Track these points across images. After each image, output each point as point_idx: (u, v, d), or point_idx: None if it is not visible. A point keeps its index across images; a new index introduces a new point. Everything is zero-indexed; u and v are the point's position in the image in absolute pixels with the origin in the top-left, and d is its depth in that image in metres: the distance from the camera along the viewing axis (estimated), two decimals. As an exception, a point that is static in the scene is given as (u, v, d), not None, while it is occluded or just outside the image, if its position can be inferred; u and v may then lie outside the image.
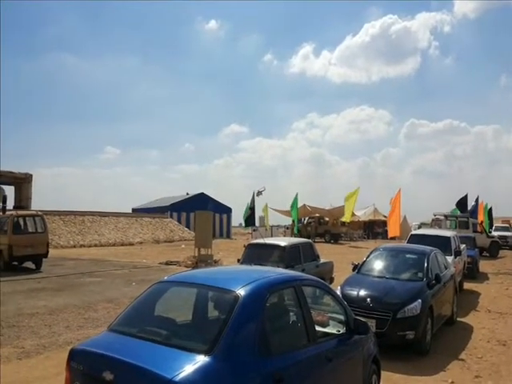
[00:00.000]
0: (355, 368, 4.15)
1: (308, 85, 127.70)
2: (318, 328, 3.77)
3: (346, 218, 29.91)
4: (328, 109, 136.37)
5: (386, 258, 8.28)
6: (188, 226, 41.74)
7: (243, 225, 36.61)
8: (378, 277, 7.67)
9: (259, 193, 20.11)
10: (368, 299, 6.67)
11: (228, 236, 48.45)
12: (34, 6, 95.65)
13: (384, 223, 38.91)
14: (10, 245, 14.68)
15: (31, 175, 31.52)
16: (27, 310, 8.75)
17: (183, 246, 29.45)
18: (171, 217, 42.37)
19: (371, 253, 8.54)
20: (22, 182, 30.78)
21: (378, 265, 8.10)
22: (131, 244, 31.74)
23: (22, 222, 16.04)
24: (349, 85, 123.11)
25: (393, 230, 18.48)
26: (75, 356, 2.96)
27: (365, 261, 8.28)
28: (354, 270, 8.39)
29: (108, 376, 2.64)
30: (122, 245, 31.08)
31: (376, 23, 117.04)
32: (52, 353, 6.30)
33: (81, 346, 3.06)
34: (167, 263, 18.27)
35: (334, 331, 4.06)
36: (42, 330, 7.46)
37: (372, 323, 6.03)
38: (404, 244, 12.09)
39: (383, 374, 4.88)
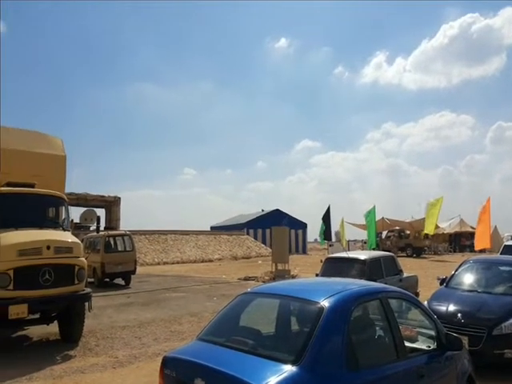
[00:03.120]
0: (449, 386, 3.90)
1: (382, 94, 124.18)
2: (406, 343, 3.61)
3: (430, 231, 28.37)
4: (404, 117, 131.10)
5: (478, 270, 7.69)
6: (264, 242, 42.10)
7: (319, 240, 36.20)
8: (469, 291, 7.14)
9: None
10: (459, 315, 6.24)
11: (304, 251, 48.06)
12: (113, 39, 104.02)
13: (472, 235, 36.27)
14: (102, 263, 15.79)
15: (119, 198, 33.84)
16: (119, 323, 9.31)
17: (260, 261, 29.73)
18: (247, 233, 43.03)
19: (461, 265, 8.00)
20: (111, 205, 33.15)
21: (468, 278, 7.56)
22: (210, 260, 32.69)
23: (112, 242, 17.23)
24: (426, 91, 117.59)
25: (481, 241, 17.24)
26: (168, 363, 3.11)
27: (454, 274, 7.78)
28: (441, 284, 7.91)
29: (199, 383, 2.74)
30: (202, 261, 32.11)
31: (454, 24, 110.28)
32: (142, 363, 6.63)
33: (173, 354, 3.20)
34: (245, 279, 18.52)
35: (424, 347, 3.86)
36: (133, 341, 7.89)
37: (464, 340, 5.62)
38: (497, 256, 11.18)
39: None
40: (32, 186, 8.13)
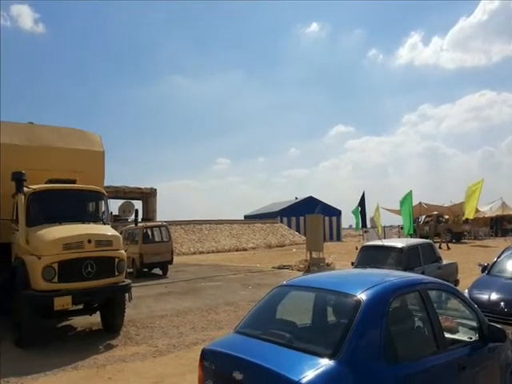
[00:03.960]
0: (492, 378, 3.80)
1: (417, 75, 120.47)
2: (446, 335, 3.54)
3: (470, 215, 27.43)
4: (442, 98, 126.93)
5: (522, 257, 7.41)
6: (298, 230, 42.02)
7: (353, 227, 35.75)
8: (513, 278, 6.90)
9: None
10: (502, 303, 6.05)
11: (338, 239, 47.67)
12: (142, 34, 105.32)
13: (515, 219, 34.97)
14: (141, 253, 16.21)
15: (155, 189, 34.55)
16: (157, 313, 9.56)
17: (294, 249, 29.71)
18: (281, 221, 43.05)
19: (504, 251, 7.72)
20: (148, 197, 33.90)
21: (511, 265, 7.30)
22: (245, 249, 32.96)
23: (150, 233, 17.65)
24: (464, 70, 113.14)
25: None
26: (207, 356, 3.18)
27: (496, 261, 7.52)
28: (482, 271, 7.67)
29: (238, 376, 2.79)
30: (237, 250, 32.43)
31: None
32: (181, 352, 6.80)
33: (212, 347, 3.27)
34: (280, 267, 18.57)
35: (465, 338, 3.77)
36: (171, 330, 8.09)
37: (508, 330, 5.44)
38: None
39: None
40: (73, 182, 8.42)
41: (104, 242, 7.42)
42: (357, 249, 15.67)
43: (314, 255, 17.39)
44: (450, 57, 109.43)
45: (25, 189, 7.41)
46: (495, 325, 3.90)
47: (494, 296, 6.25)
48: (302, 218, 40.36)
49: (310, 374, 2.54)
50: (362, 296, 3.03)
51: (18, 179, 7.24)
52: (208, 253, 30.51)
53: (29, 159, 8.41)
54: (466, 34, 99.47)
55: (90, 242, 7.17)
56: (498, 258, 7.59)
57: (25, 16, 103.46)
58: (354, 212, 30.00)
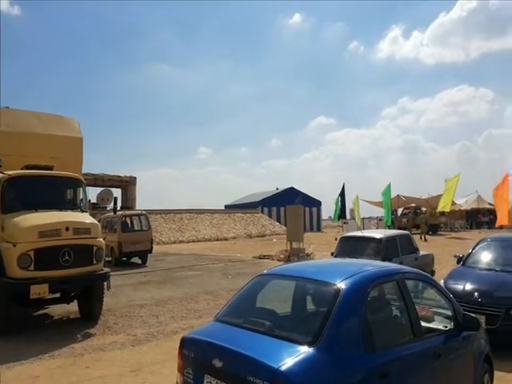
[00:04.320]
0: (466, 366, 3.90)
1: (398, 69, 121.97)
2: (423, 323, 3.61)
3: (446, 208, 28.05)
4: (421, 92, 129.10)
5: (496, 248, 7.58)
6: (279, 221, 42.26)
7: (333, 218, 36.09)
8: (487, 269, 7.07)
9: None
10: (476, 293, 6.20)
11: (318, 229, 48.18)
12: (128, 20, 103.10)
13: (489, 211, 35.87)
14: (119, 242, 16.06)
15: (135, 178, 34.20)
16: (137, 302, 9.50)
17: (275, 240, 29.90)
18: (262, 212, 43.22)
19: (478, 243, 7.91)
20: (127, 185, 33.56)
21: (486, 256, 7.47)
22: (225, 239, 33.00)
23: (129, 221, 17.47)
24: (444, 65, 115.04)
25: (501, 218, 16.95)
26: (186, 344, 3.16)
27: (471, 252, 7.70)
28: (458, 262, 7.85)
29: (217, 363, 2.79)
30: (217, 240, 32.45)
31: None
32: (160, 341, 6.78)
33: (191, 335, 3.25)
34: (260, 257, 18.68)
35: (441, 327, 3.85)
36: (151, 319, 8.06)
37: (481, 319, 5.59)
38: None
39: (496, 373, 4.52)
40: (50, 168, 8.23)
41: (82, 229, 7.31)
42: (336, 239, 15.83)
43: (295, 245, 17.53)
44: (429, 51, 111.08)
45: (0, 174, 7.21)
46: (470, 314, 4.00)
47: (469, 286, 6.40)
48: (282, 209, 40.52)
49: (289, 361, 2.56)
50: (341, 285, 3.06)
51: (-7, 165, 7.05)
52: (188, 242, 30.44)
53: (5, 144, 8.18)
54: (445, 30, 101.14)
55: (67, 229, 7.05)
56: (473, 249, 7.77)
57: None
58: (335, 203, 30.32)
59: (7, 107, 9.32)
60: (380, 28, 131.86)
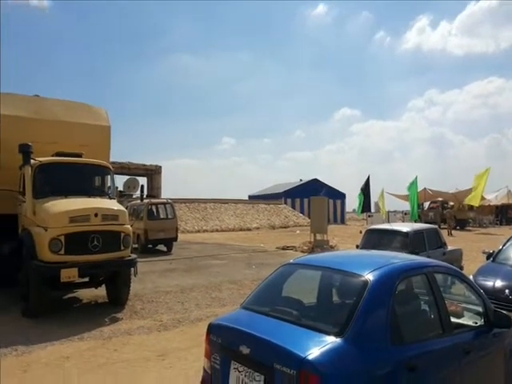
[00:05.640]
0: (496, 364, 3.80)
1: (425, 60, 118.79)
2: (452, 319, 3.54)
3: (475, 202, 27.34)
4: (449, 84, 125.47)
5: (528, 245, 7.38)
6: (302, 212, 42.11)
7: (357, 211, 35.67)
8: (518, 266, 6.88)
9: None
10: (507, 291, 6.03)
11: (342, 222, 47.78)
12: (151, 13, 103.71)
13: (521, 207, 34.79)
14: (145, 229, 16.34)
15: (160, 167, 34.57)
16: (162, 288, 9.67)
17: (298, 231, 29.83)
18: (285, 203, 43.13)
19: (509, 239, 7.69)
20: (153, 173, 33.95)
21: (517, 253, 7.27)
22: (249, 229, 33.13)
23: (154, 210, 17.74)
24: (473, 55, 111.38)
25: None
26: (213, 330, 3.19)
27: (501, 248, 7.50)
28: (487, 258, 7.65)
29: (245, 350, 2.81)
30: (241, 230, 32.61)
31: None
32: (186, 327, 6.89)
33: (219, 321, 3.28)
34: (284, 248, 18.68)
35: (471, 323, 3.77)
36: (176, 306, 8.19)
37: (512, 317, 5.46)
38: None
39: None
40: (80, 155, 8.42)
41: (110, 216, 7.45)
42: (361, 232, 15.67)
43: (318, 237, 17.46)
44: (458, 42, 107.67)
45: (32, 161, 7.41)
46: (501, 311, 3.90)
47: (499, 283, 6.24)
48: (306, 200, 40.39)
49: (316, 351, 2.55)
50: (369, 276, 3.02)
51: (25, 151, 7.25)
52: (212, 231, 30.70)
53: (35, 132, 8.39)
54: (475, 19, 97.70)
55: (96, 215, 7.20)
56: (504, 245, 7.56)
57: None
58: (359, 195, 29.91)
59: (37, 95, 9.54)
60: (407, 18, 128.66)
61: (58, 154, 8.21)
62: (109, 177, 8.68)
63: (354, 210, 51.54)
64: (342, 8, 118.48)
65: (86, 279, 7.95)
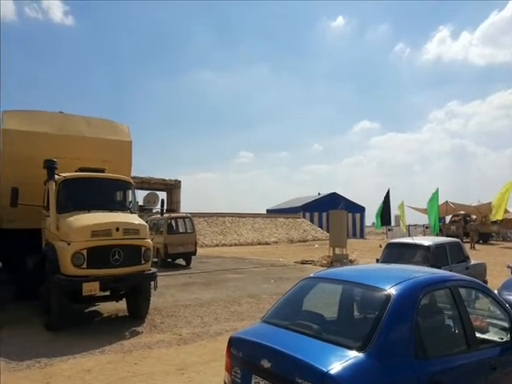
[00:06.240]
0: (523, 381, 3.70)
1: (445, 71, 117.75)
2: (477, 334, 3.46)
3: (497, 216, 26.75)
4: (471, 95, 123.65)
5: (555, 259, 7.19)
6: (320, 226, 41.82)
7: (376, 225, 35.20)
8: (545, 281, 6.71)
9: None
10: (533, 306, 5.87)
11: (361, 236, 47.24)
12: (169, 28, 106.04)
13: (546, 221, 33.89)
14: (165, 244, 16.47)
15: (180, 181, 34.92)
16: (182, 302, 9.70)
17: (317, 245, 29.61)
18: (304, 217, 42.91)
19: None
20: (172, 188, 34.28)
21: (543, 267, 7.09)
22: (267, 243, 33.02)
23: (174, 224, 17.88)
24: (495, 66, 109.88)
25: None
26: (234, 343, 3.20)
27: (527, 263, 7.33)
28: (513, 272, 7.48)
29: (266, 364, 2.80)
30: (259, 244, 32.53)
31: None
32: (205, 341, 6.87)
33: (239, 335, 3.29)
34: (302, 262, 18.56)
35: (496, 338, 3.68)
36: (195, 320, 8.19)
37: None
38: None
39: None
40: (102, 171, 8.60)
41: (131, 230, 7.55)
42: (381, 247, 15.45)
43: (337, 251, 17.30)
44: (479, 52, 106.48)
45: (56, 176, 7.60)
46: (527, 326, 3.79)
47: (525, 298, 6.08)
48: (324, 214, 40.18)
49: (338, 366, 2.53)
50: (392, 290, 3.00)
51: (50, 167, 7.44)
52: (230, 245, 30.70)
53: (59, 147, 8.62)
54: (497, 29, 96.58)
55: (117, 230, 7.30)
56: (530, 259, 7.38)
57: (55, 8, 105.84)
58: (378, 209, 29.57)
59: (61, 112, 9.82)
60: (427, 29, 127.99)
61: (81, 170, 8.40)
62: (130, 191, 8.82)
63: (373, 224, 50.99)
64: (361, 20, 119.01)
65: (107, 293, 8.03)
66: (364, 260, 17.74)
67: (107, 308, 8.90)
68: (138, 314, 8.16)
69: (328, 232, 23.56)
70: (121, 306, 8.60)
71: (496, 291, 6.54)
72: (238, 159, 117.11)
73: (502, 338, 3.65)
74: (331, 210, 19.08)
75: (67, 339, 6.76)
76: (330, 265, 16.30)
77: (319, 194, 50.42)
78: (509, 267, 7.88)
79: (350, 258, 17.57)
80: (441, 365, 2.90)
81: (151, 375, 5.34)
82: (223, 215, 35.87)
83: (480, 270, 9.76)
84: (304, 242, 35.12)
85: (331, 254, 17.55)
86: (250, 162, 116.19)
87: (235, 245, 31.24)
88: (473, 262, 9.73)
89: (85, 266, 7.04)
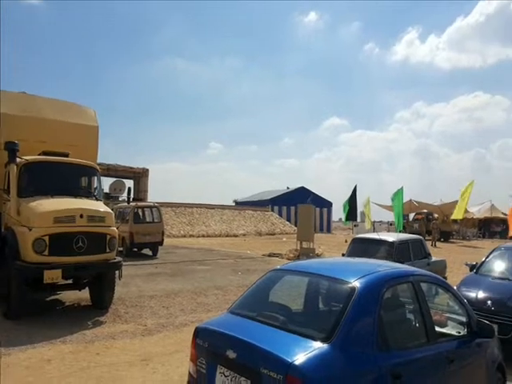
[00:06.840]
0: (478, 373, 3.86)
1: (413, 72, 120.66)
2: (436, 328, 3.58)
3: (458, 215, 27.69)
4: (436, 97, 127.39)
5: (510, 257, 7.50)
6: (289, 220, 42.19)
7: (343, 220, 35.87)
8: (500, 278, 6.98)
9: None
10: (488, 302, 6.12)
11: (328, 230, 48.01)
12: (143, 14, 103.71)
13: (502, 221, 35.42)
14: (131, 232, 16.21)
15: (147, 170, 34.40)
16: (147, 292, 9.57)
17: (284, 239, 29.87)
18: (272, 210, 43.16)
19: (492, 252, 7.82)
20: (140, 176, 33.74)
21: (499, 265, 7.38)
22: (235, 235, 33.04)
23: (140, 213, 17.61)
24: (460, 70, 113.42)
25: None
26: (200, 334, 3.18)
27: (484, 260, 7.62)
28: (471, 270, 7.76)
29: (231, 354, 2.80)
30: (227, 236, 32.51)
31: (493, 1, 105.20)
32: (170, 332, 6.81)
33: (205, 325, 3.26)
34: (270, 255, 18.67)
35: (454, 332, 3.82)
36: (161, 310, 8.11)
37: (494, 328, 5.52)
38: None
39: None
40: (66, 155, 8.32)
41: (96, 217, 7.38)
42: (346, 242, 15.74)
43: (305, 245, 17.50)
44: (445, 56, 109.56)
45: (17, 159, 7.31)
46: (484, 321, 3.96)
47: (482, 294, 6.33)
48: (292, 208, 40.52)
49: (302, 356, 2.56)
50: (356, 283, 3.05)
51: (11, 149, 7.16)
52: (198, 237, 30.53)
53: (21, 129, 8.26)
54: (462, 34, 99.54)
55: (82, 216, 7.11)
56: (487, 257, 7.68)
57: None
58: (344, 205, 30.08)
59: (24, 92, 9.40)
60: (396, 30, 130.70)
61: (44, 153, 8.10)
62: (95, 178, 8.59)
63: (340, 219, 51.86)
64: (333, 17, 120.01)
65: (70, 281, 7.81)
66: (330, 254, 18.03)
67: (69, 297, 8.67)
68: (101, 303, 7.99)
69: (296, 226, 23.77)
70: (83, 295, 8.40)
71: (455, 287, 6.79)
72: (208, 150, 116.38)
73: (460, 332, 3.80)
74: (299, 204, 19.25)
75: (27, 328, 6.55)
76: (297, 258, 16.47)
77: (288, 187, 50.80)
78: (467, 265, 8.17)
79: (316, 252, 17.82)
80: (402, 357, 2.98)
81: (114, 366, 5.25)
82: (191, 206, 35.59)
83: (440, 267, 10.11)
84: (272, 235, 35.36)
85: (298, 248, 17.74)
86: (220, 154, 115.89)
87: (203, 236, 31.10)
88: (434, 258, 10.06)
89: (46, 252, 6.83)
